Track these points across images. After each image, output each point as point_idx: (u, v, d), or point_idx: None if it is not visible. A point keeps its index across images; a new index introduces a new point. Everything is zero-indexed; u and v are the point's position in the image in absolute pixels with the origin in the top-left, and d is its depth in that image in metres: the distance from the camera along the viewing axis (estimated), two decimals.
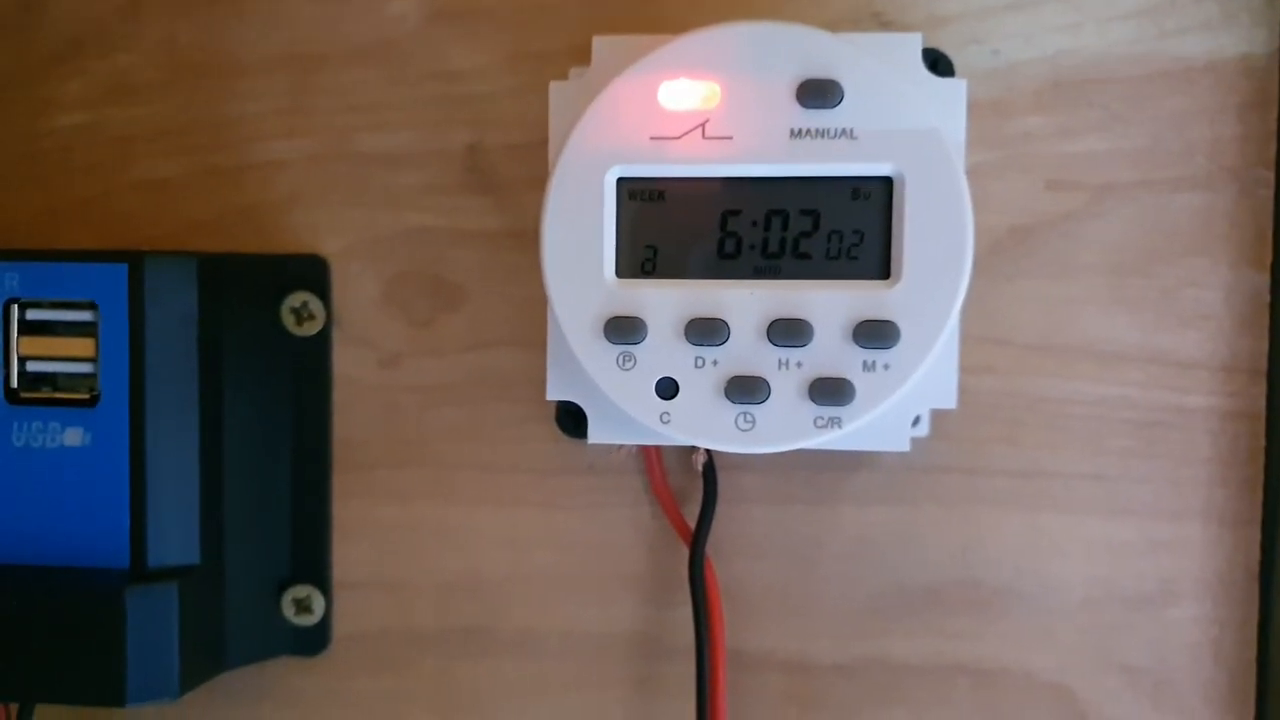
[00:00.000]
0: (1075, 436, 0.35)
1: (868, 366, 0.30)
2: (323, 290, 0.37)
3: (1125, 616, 0.35)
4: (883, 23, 0.35)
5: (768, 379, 0.30)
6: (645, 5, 0.36)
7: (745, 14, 0.35)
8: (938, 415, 0.35)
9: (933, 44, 0.34)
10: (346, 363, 0.37)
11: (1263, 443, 0.35)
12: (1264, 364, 0.35)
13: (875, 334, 0.30)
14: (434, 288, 0.37)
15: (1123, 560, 0.35)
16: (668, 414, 0.31)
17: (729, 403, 0.31)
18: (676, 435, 0.31)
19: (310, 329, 0.37)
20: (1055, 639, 0.36)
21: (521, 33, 0.36)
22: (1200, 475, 0.35)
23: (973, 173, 0.34)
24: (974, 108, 0.35)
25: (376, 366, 0.37)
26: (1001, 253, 0.35)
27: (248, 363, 0.36)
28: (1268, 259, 0.35)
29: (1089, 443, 0.35)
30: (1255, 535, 0.35)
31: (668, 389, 0.31)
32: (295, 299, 0.37)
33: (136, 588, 0.32)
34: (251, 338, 0.36)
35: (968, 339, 0.35)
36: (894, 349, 0.30)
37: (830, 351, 0.30)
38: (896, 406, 0.31)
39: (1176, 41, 0.34)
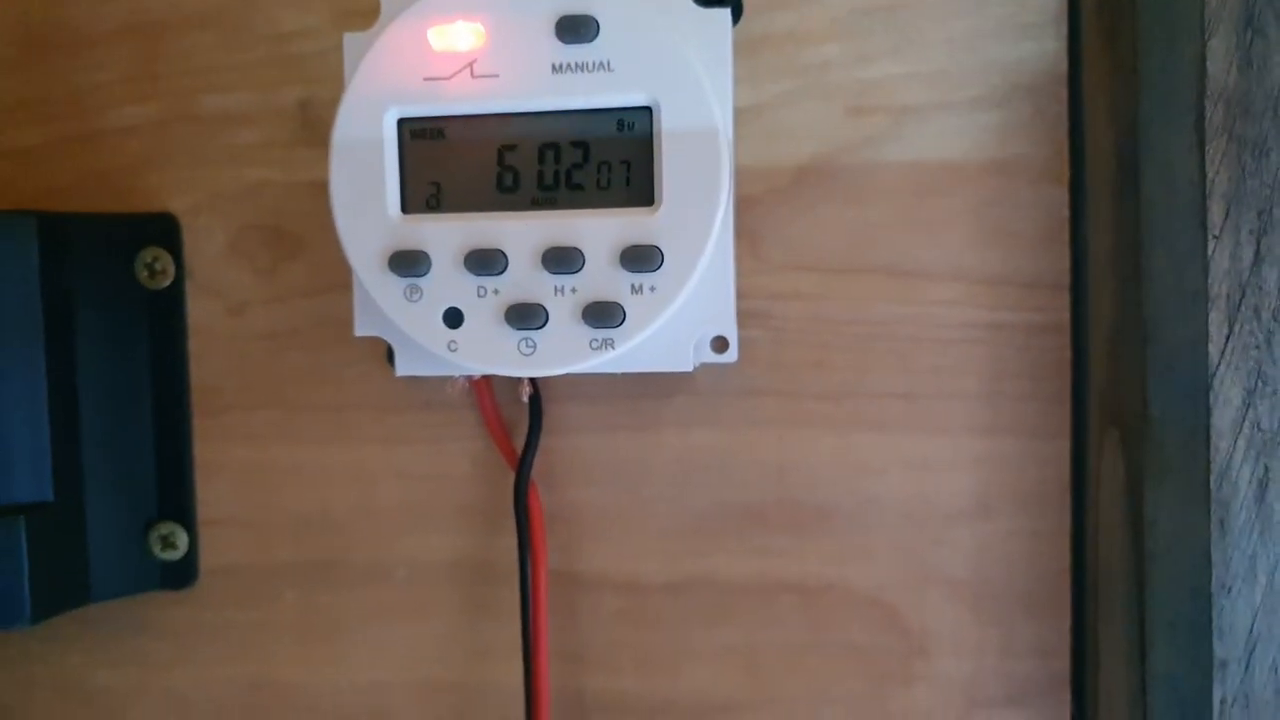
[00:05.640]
0: (883, 358, 0.36)
1: (635, 290, 0.31)
2: (174, 245, 0.39)
3: (943, 531, 0.36)
4: None
5: (545, 305, 0.32)
6: None
7: None
8: (749, 341, 0.36)
9: None
10: (199, 313, 0.39)
11: (1069, 355, 0.35)
12: (1067, 278, 0.35)
13: (640, 258, 0.31)
14: (274, 238, 0.39)
15: (938, 476, 0.36)
16: (454, 342, 0.32)
17: (511, 329, 0.32)
18: (464, 363, 0.33)
19: (162, 282, 0.39)
20: (875, 555, 0.37)
21: None
22: (1010, 390, 0.36)
23: (772, 103, 0.36)
24: (771, 39, 0.36)
25: (226, 315, 0.39)
26: (804, 181, 0.36)
27: (103, 316, 0.38)
28: (1066, 175, 0.35)
29: (898, 363, 0.36)
30: (1065, 447, 0.36)
31: (453, 318, 0.32)
32: (148, 254, 0.39)
33: None
34: (106, 292, 0.38)
35: (775, 267, 0.36)
36: (658, 272, 0.31)
37: (600, 277, 0.31)
38: (675, 331, 0.32)
39: None
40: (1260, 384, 0.27)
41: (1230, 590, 0.27)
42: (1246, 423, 0.27)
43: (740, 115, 0.35)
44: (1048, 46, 0.35)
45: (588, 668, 0.38)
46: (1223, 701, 0.27)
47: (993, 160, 0.35)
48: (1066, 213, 0.35)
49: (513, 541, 0.37)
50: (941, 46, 0.35)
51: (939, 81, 0.35)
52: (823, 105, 0.36)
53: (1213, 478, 0.27)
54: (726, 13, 0.32)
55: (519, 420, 0.38)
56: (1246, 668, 0.26)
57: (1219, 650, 0.27)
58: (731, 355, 0.35)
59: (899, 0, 0.35)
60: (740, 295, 0.35)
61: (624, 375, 0.36)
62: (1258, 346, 0.27)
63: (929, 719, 0.36)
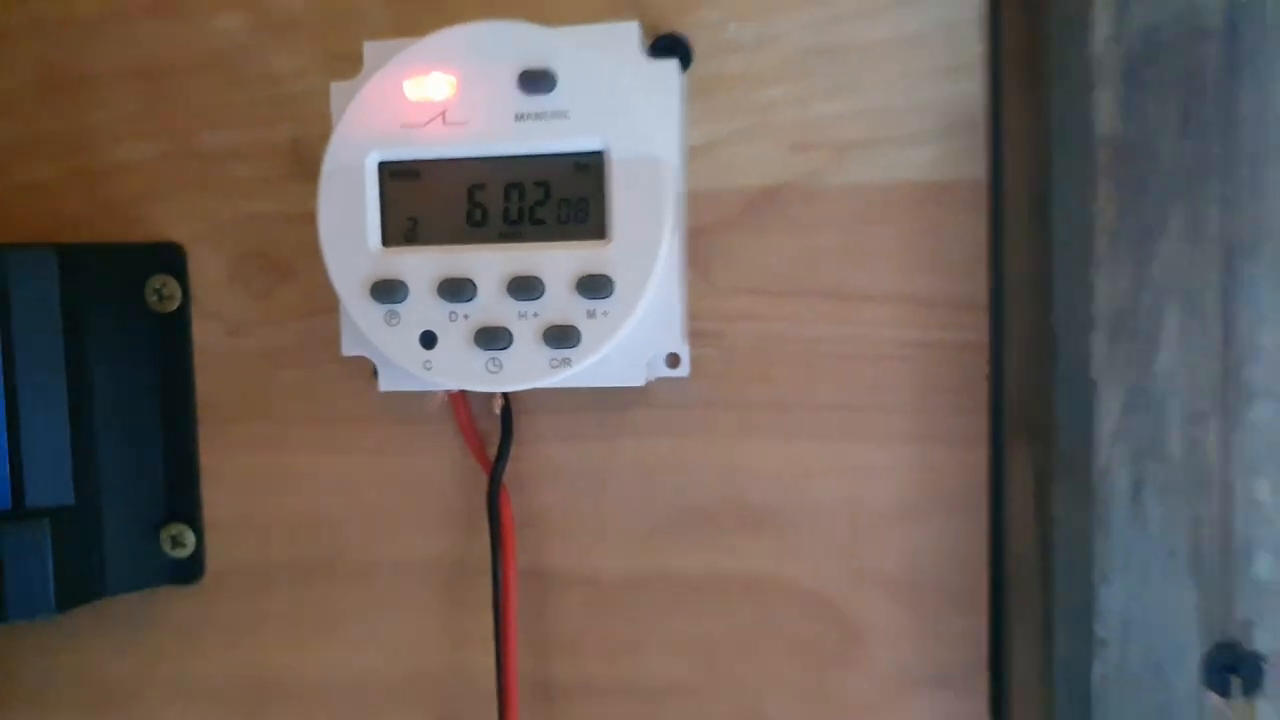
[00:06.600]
0: (825, 373, 0.40)
1: (590, 314, 0.35)
2: (180, 273, 0.43)
3: (877, 531, 0.40)
4: (641, 9, 0.40)
5: (510, 328, 0.35)
6: (442, 8, 0.41)
7: (522, 12, 0.39)
8: (702, 358, 0.40)
9: (691, 26, 0.38)
10: (202, 334, 0.43)
11: (987, 370, 0.39)
12: (986, 299, 0.39)
13: (594, 286, 0.35)
14: (269, 265, 0.42)
15: (872, 481, 0.40)
16: (429, 362, 0.36)
17: (479, 350, 0.36)
18: (438, 380, 0.36)
19: (169, 306, 0.43)
20: (816, 553, 0.40)
21: (332, 37, 0.41)
22: (937, 402, 0.39)
23: (724, 140, 0.39)
24: (724, 81, 0.39)
25: (227, 336, 0.43)
26: (754, 211, 0.40)
27: (115, 338, 0.42)
28: (986, 203, 0.38)
29: (837, 377, 0.40)
30: (985, 454, 0.39)
31: (428, 340, 0.36)
32: (156, 281, 0.43)
33: (12, 524, 0.38)
34: (118, 316, 0.42)
35: (725, 290, 0.40)
36: (610, 299, 0.35)
37: (560, 303, 0.35)
38: (628, 350, 0.36)
39: (903, 11, 0.38)
40: (1135, 398, 0.30)
41: (1109, 579, 0.30)
42: (1123, 431, 0.30)
43: (694, 152, 0.39)
44: (976, 88, 0.38)
45: (555, 655, 0.42)
46: (1103, 678, 0.30)
47: (926, 192, 0.39)
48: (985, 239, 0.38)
49: (487, 542, 0.41)
50: (880, 87, 0.39)
51: (877, 120, 0.39)
52: (770, 142, 0.39)
53: (1095, 480, 0.31)
54: (674, 63, 0.36)
55: (492, 431, 0.41)
56: (1123, 649, 0.30)
57: (1099, 632, 0.30)
58: (684, 370, 0.38)
59: (841, 44, 0.39)
60: (693, 316, 0.39)
61: (588, 389, 0.39)
62: (1132, 364, 0.30)
63: (864, 700, 0.40)
